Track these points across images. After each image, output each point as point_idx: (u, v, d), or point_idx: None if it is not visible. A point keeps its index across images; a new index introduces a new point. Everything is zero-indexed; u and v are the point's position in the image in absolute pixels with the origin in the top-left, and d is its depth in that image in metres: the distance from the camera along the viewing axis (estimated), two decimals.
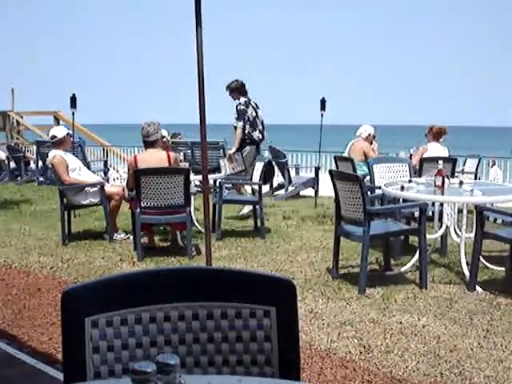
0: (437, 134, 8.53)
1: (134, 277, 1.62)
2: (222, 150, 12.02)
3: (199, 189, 7.85)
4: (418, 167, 7.99)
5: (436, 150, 8.39)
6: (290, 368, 1.62)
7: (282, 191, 12.27)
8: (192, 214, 7.00)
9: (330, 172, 5.58)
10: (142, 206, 6.39)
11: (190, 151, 11.84)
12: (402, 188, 5.55)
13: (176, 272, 1.64)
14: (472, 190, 5.42)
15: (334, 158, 9.70)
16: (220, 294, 1.61)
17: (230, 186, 9.70)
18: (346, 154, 9.70)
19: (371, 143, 9.89)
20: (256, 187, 7.90)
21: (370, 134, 9.70)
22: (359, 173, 8.47)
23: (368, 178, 7.42)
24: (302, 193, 12.28)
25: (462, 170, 10.60)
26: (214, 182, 8.18)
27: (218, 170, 8.36)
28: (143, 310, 1.61)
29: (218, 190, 7.75)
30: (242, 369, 1.62)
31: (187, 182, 6.37)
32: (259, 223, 7.78)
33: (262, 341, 1.61)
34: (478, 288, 5.29)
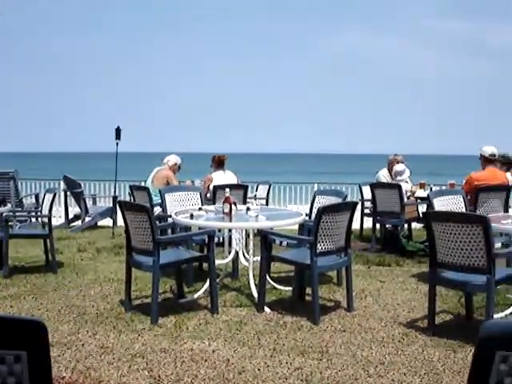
0: (218, 161, 8.87)
1: None
2: (12, 181, 11.40)
3: None
4: (210, 195, 8.20)
5: (220, 177, 8.69)
6: None
7: (79, 222, 11.90)
8: None
9: (119, 203, 5.53)
10: None
11: None
12: (192, 216, 5.64)
13: None
14: (257, 216, 5.67)
15: (130, 187, 9.63)
16: None
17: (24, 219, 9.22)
18: (148, 182, 9.63)
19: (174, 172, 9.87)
20: (45, 219, 7.58)
21: (175, 164, 9.67)
22: (158, 201, 8.45)
23: None
24: (99, 223, 12.00)
25: (255, 196, 11.07)
26: (1, 215, 7.70)
27: (3, 202, 7.89)
28: None
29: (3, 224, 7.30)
30: None
31: None
32: (51, 257, 7.46)
33: None
34: (266, 309, 5.52)
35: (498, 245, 6.20)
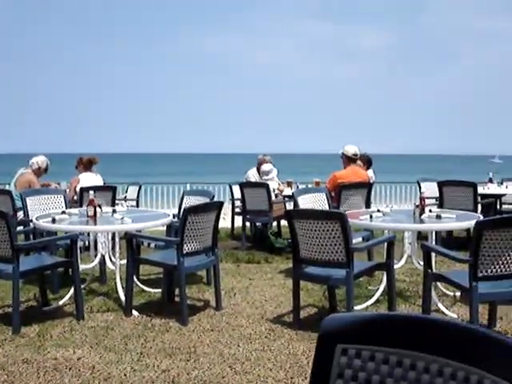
0: (88, 163, 8.66)
1: None
2: None
3: None
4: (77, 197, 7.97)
5: (88, 179, 8.48)
6: None
7: None
8: None
9: None
10: None
11: None
12: (54, 220, 5.45)
13: None
14: (123, 218, 5.57)
15: None
16: None
17: None
18: (12, 185, 9.15)
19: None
20: None
21: (40, 168, 9.21)
22: (20, 205, 8.08)
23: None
24: None
25: (125, 197, 10.89)
26: None
27: None
28: None
29: None
30: None
31: None
32: None
33: None
34: (134, 312, 5.46)
35: (359, 239, 6.48)
